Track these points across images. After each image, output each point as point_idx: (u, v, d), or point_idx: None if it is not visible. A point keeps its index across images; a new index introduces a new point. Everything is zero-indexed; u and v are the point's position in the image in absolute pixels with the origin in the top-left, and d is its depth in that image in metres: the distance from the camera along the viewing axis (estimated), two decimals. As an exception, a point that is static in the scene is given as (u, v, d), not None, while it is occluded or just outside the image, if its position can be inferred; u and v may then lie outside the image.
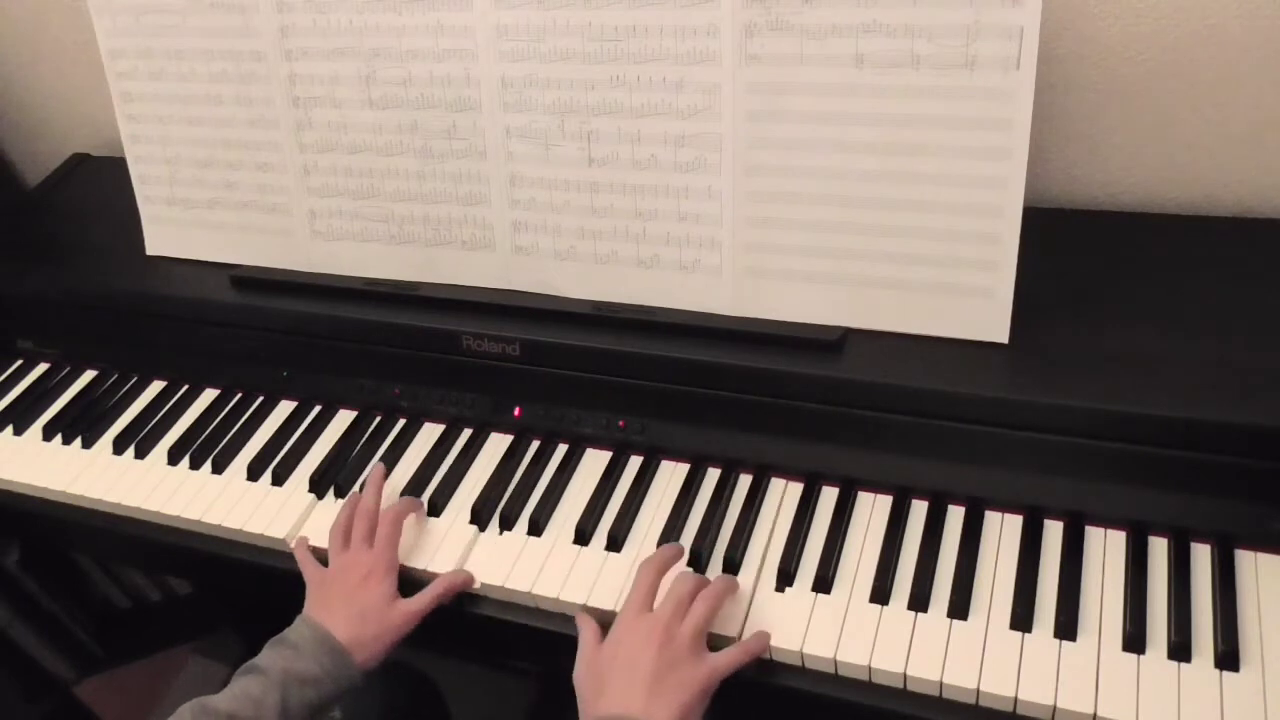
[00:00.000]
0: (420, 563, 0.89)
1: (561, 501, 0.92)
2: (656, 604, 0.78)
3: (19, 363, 1.21)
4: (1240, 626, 0.72)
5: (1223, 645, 0.71)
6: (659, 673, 0.71)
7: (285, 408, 1.08)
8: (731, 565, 0.83)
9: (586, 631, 0.79)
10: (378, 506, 0.91)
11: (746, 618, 0.79)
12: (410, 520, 0.92)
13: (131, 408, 1.11)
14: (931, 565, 0.80)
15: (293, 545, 0.92)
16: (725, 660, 0.74)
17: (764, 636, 0.77)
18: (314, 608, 0.85)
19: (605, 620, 0.80)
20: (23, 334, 1.21)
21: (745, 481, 0.90)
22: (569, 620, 0.84)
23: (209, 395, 1.11)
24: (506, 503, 0.92)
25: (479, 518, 0.92)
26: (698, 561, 0.84)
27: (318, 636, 0.80)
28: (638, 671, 0.72)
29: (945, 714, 0.73)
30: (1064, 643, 0.74)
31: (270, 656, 0.80)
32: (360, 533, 0.88)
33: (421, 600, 0.84)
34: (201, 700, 0.76)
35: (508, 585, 0.85)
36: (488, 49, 0.91)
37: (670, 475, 0.92)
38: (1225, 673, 0.70)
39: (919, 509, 0.85)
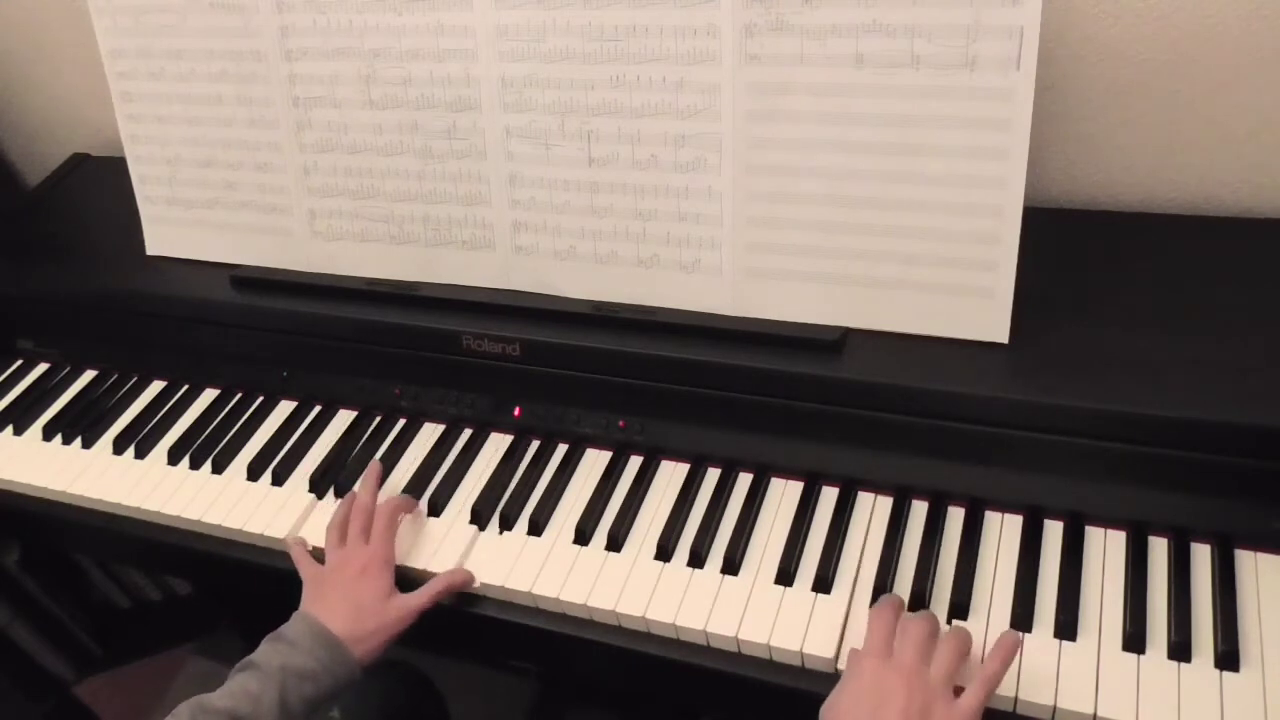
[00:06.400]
0: (420, 563, 0.89)
1: (561, 501, 0.92)
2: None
3: (19, 363, 1.21)
4: (1240, 626, 0.72)
5: (1223, 645, 0.71)
6: None
7: (285, 408, 1.08)
8: (731, 565, 0.83)
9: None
10: (373, 503, 0.91)
11: (743, 619, 0.79)
12: (410, 520, 0.92)
13: (131, 408, 1.11)
14: (931, 565, 0.80)
15: (289, 543, 0.92)
16: (975, 699, 0.67)
17: (1006, 647, 0.70)
18: (310, 603, 0.85)
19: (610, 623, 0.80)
20: (23, 334, 1.21)
21: (745, 481, 0.90)
22: (569, 620, 0.84)
23: (209, 395, 1.11)
24: (506, 503, 0.92)
25: (479, 518, 0.92)
26: (698, 561, 0.84)
27: (314, 631, 0.80)
28: None
29: (945, 714, 0.73)
30: (1064, 643, 0.74)
31: (267, 652, 0.79)
32: (356, 528, 0.88)
33: (421, 597, 0.84)
34: (199, 699, 0.76)
35: (508, 585, 0.85)
36: (488, 49, 0.91)
37: (670, 475, 0.92)
38: (1225, 673, 0.70)
39: (919, 509, 0.85)
